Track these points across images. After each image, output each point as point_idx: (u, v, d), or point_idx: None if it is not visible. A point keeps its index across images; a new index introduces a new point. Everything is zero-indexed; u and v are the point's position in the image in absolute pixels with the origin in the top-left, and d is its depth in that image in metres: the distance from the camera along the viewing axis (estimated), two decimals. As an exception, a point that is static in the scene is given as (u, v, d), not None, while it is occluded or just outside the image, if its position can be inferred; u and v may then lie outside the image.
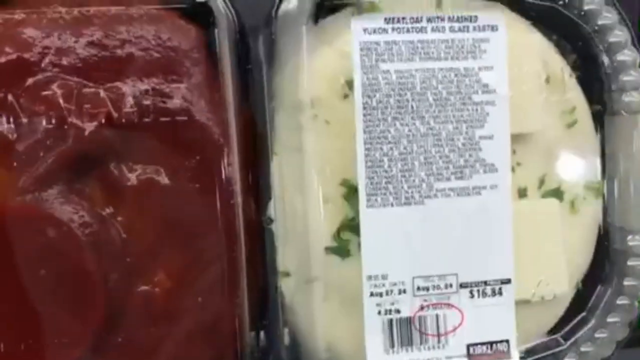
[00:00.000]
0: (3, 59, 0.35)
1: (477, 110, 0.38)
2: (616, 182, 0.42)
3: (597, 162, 0.43)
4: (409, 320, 0.38)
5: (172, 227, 0.37)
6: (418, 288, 0.38)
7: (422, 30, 0.37)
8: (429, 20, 0.37)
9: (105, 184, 0.36)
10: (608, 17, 0.40)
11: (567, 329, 0.42)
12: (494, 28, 0.38)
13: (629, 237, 0.41)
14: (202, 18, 0.37)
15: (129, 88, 0.35)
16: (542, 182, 0.42)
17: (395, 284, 0.38)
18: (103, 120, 0.36)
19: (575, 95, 0.42)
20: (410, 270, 0.38)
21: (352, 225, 0.39)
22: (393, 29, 0.37)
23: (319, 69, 0.39)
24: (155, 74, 0.36)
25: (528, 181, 0.41)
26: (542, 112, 0.41)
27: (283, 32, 0.39)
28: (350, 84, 0.38)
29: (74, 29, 0.35)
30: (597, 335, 0.41)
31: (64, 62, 0.35)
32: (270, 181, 0.40)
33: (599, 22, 0.40)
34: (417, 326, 0.38)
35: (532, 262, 0.40)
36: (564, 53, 0.42)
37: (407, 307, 0.38)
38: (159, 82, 0.36)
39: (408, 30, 0.37)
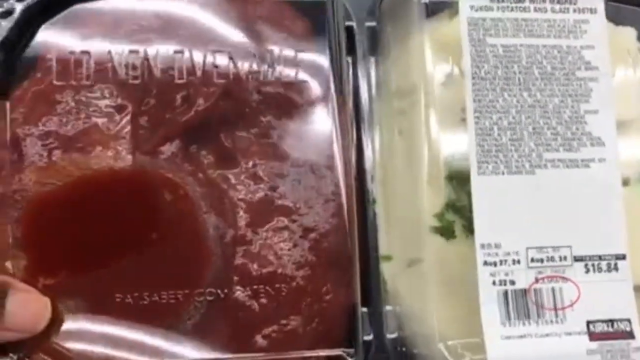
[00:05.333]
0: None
1: (581, 85, 0.39)
2: None
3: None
4: (524, 292, 0.37)
5: (277, 196, 0.37)
6: (532, 259, 0.37)
7: (525, 9, 0.39)
8: (532, 0, 0.39)
9: (218, 149, 0.37)
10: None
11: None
12: (592, 11, 0.40)
13: None
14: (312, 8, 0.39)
15: (246, 60, 0.37)
16: None
17: (508, 254, 0.37)
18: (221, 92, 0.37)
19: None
20: (523, 240, 0.37)
21: (456, 207, 0.39)
22: (498, 7, 0.39)
23: (424, 56, 0.40)
24: (271, 49, 0.37)
25: (629, 171, 0.41)
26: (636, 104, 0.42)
27: (387, 23, 0.41)
28: (453, 69, 0.39)
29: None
30: None
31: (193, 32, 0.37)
32: (373, 163, 0.41)
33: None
34: (534, 299, 0.36)
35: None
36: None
37: (522, 279, 0.37)
38: (273, 56, 0.38)
39: (512, 9, 0.39)
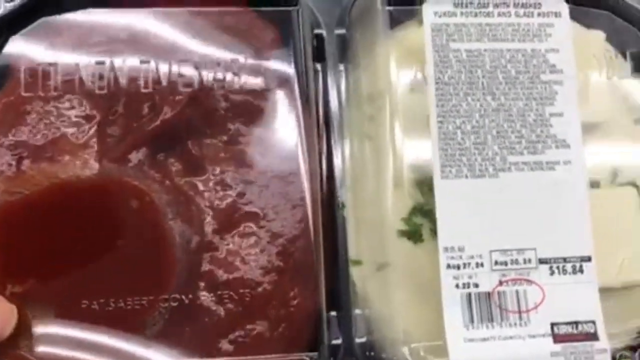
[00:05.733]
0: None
1: (545, 88, 0.39)
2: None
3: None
4: (488, 295, 0.37)
5: (244, 202, 0.38)
6: (496, 262, 0.37)
7: (489, 14, 0.39)
8: (495, 5, 0.39)
9: (186, 157, 0.38)
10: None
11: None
12: (557, 14, 0.40)
13: None
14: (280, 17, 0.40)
15: (211, 70, 0.37)
16: (614, 175, 0.41)
17: (472, 257, 0.37)
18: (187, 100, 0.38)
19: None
20: (487, 243, 0.37)
21: (424, 210, 0.39)
22: (462, 13, 0.39)
23: (389, 63, 0.41)
24: (236, 58, 0.38)
25: (600, 174, 0.41)
26: (608, 103, 0.42)
27: (356, 31, 0.42)
28: (417, 75, 0.40)
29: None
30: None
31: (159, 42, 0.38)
32: (342, 169, 0.41)
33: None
34: (497, 302, 0.37)
35: (615, 247, 0.39)
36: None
37: (486, 282, 0.37)
38: (239, 65, 0.38)
39: (475, 14, 0.39)
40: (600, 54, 0.42)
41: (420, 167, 0.39)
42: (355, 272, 0.40)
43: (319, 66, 0.42)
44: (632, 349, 0.38)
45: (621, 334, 0.38)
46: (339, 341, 0.39)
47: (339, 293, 0.40)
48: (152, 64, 0.37)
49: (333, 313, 0.40)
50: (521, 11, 0.40)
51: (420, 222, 0.39)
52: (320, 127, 0.41)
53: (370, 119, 0.41)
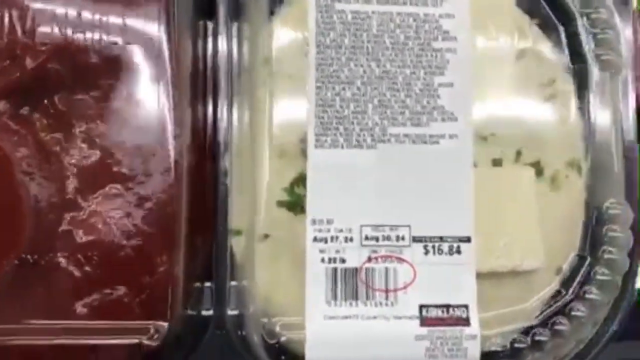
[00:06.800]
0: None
1: (436, 57, 0.37)
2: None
3: (579, 137, 0.40)
4: (354, 272, 0.35)
5: (112, 162, 0.36)
6: (366, 237, 0.35)
7: (381, -26, 0.37)
8: (389, -35, 0.37)
9: (51, 112, 0.36)
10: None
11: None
12: (456, -23, 0.37)
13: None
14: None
15: (81, 21, 0.36)
16: (519, 154, 0.39)
17: (341, 231, 0.35)
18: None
19: (553, 66, 0.40)
20: (358, 217, 0.35)
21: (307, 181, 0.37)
22: (351, -28, 0.37)
23: (280, 27, 0.39)
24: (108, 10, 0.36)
25: (503, 153, 0.39)
26: (516, 81, 0.39)
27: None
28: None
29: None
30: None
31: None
32: (228, 135, 0.39)
33: None
34: (364, 279, 0.35)
35: (501, 229, 0.37)
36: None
37: (354, 257, 0.35)
38: (111, 17, 0.36)
39: (366, -26, 0.37)
40: (508, 22, 0.39)
41: (305, 136, 0.37)
42: (235, 243, 0.39)
43: (210, 24, 0.40)
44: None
45: (496, 321, 0.36)
46: (210, 312, 0.38)
47: (217, 263, 0.38)
48: (14, 15, 0.36)
49: (208, 284, 0.38)
50: (417, -28, 0.37)
51: (302, 193, 0.37)
52: (207, 88, 0.39)
53: (261, 85, 0.39)
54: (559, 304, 0.37)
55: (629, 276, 0.37)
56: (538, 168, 0.39)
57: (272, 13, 0.39)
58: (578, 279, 0.37)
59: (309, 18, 0.36)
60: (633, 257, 0.37)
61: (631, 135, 0.38)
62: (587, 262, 0.38)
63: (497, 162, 0.39)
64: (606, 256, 0.37)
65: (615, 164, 0.38)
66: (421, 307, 0.35)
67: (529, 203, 0.37)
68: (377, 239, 0.35)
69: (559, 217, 0.39)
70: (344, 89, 0.36)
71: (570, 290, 0.37)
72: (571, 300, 0.37)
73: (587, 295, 0.37)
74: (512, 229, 0.37)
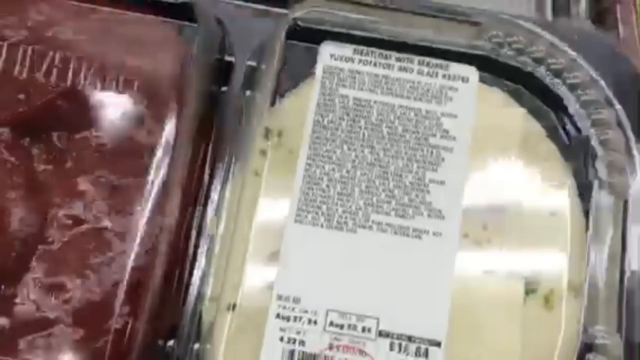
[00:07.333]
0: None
1: (432, 152, 0.36)
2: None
3: (580, 257, 0.38)
4: (313, 357, 0.33)
5: (101, 210, 0.37)
6: (331, 323, 0.34)
7: (389, 66, 0.38)
8: (398, 59, 0.38)
9: (49, 147, 0.37)
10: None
11: None
12: (464, 79, 0.38)
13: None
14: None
15: (89, 64, 0.37)
16: (512, 267, 0.37)
17: (306, 312, 0.34)
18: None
19: (556, 173, 0.39)
20: (326, 300, 0.34)
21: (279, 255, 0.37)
22: (360, 60, 0.38)
23: (289, 101, 0.39)
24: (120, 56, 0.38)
25: (496, 264, 0.37)
26: (519, 190, 0.38)
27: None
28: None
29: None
30: None
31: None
32: (221, 200, 0.39)
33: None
34: (321, 366, 0.33)
35: (476, 338, 0.35)
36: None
37: (315, 342, 0.33)
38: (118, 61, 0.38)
39: (375, 64, 0.38)
40: (515, 134, 0.39)
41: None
42: (206, 307, 0.38)
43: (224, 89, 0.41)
44: None
45: None
46: (168, 370, 0.36)
47: (184, 323, 0.37)
48: (36, 51, 0.37)
49: (171, 343, 0.37)
50: (425, 69, 0.38)
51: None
52: (209, 150, 0.40)
53: (262, 154, 0.40)
54: None
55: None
56: (532, 284, 0.37)
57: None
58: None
59: (311, 97, 0.37)
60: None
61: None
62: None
63: (488, 273, 0.37)
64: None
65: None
66: (374, 408, 0.33)
67: (505, 317, 0.35)
68: (341, 327, 0.34)
69: (548, 341, 0.36)
70: (333, 169, 0.36)
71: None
72: None
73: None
74: (486, 342, 0.34)
